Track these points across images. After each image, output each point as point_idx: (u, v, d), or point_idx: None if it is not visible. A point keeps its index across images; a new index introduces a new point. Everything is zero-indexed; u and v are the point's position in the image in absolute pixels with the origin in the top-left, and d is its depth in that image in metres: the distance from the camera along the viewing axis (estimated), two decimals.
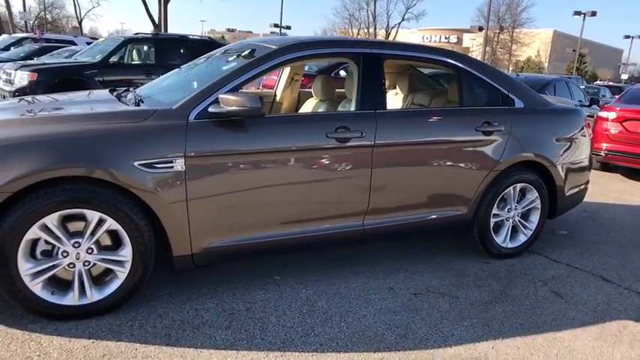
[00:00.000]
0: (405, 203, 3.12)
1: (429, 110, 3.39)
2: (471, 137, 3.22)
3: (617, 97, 19.42)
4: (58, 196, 2.24)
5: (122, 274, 2.46)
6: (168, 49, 9.15)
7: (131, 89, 3.35)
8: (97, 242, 2.40)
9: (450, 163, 3.18)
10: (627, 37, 47.05)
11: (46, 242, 2.32)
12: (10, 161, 2.16)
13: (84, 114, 2.64)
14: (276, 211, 2.74)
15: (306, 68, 7.92)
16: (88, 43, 15.61)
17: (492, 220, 3.48)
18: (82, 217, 2.35)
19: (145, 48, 9.03)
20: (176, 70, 3.63)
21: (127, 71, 8.60)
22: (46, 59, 10.43)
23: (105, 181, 2.31)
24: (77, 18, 48.86)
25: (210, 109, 2.52)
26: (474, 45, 54.82)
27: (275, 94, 4.36)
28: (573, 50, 46.11)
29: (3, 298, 2.51)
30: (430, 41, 69.73)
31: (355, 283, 3.05)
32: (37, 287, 2.31)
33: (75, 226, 2.37)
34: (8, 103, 3.10)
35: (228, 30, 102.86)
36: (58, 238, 2.31)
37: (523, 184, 3.53)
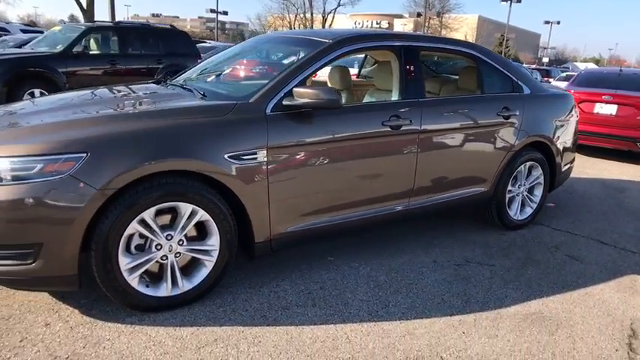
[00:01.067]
0: (441, 183, 3.42)
1: (461, 98, 3.68)
2: (495, 121, 3.56)
3: (547, 78, 21.09)
4: (156, 191, 2.30)
5: (210, 262, 2.56)
6: (132, 38, 8.84)
7: (169, 82, 3.37)
8: (186, 234, 2.48)
9: (478, 146, 3.51)
10: (547, 22, 50.67)
11: (140, 236, 2.38)
12: (114, 158, 2.19)
13: (174, 108, 2.65)
14: (341, 195, 2.93)
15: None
16: (23, 31, 14.63)
17: (507, 196, 3.88)
18: (170, 211, 2.42)
19: (108, 37, 8.65)
20: (210, 60, 3.67)
21: (92, 61, 8.22)
22: None
23: (197, 173, 2.40)
24: None
25: (284, 102, 2.65)
26: (404, 30, 56.41)
27: None
28: (501, 35, 48.82)
29: (87, 295, 2.54)
30: (362, 26, 70.80)
31: (401, 259, 3.31)
32: (134, 281, 2.37)
33: (162, 219, 2.44)
34: (97, 97, 3.02)
35: (153, 15, 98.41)
36: (153, 232, 2.37)
37: (531, 162, 3.95)
